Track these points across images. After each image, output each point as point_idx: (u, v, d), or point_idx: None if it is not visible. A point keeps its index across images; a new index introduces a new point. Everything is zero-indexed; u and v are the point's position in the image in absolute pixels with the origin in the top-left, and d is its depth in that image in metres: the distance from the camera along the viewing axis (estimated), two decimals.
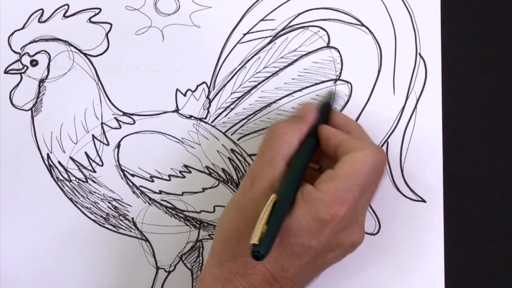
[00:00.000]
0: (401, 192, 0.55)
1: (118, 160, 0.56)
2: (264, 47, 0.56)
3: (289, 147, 0.48)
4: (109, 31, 0.56)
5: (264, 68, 0.56)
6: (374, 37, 0.56)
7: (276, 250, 0.44)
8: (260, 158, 0.48)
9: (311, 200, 0.45)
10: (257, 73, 0.56)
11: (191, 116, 0.56)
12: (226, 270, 0.45)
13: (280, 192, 0.45)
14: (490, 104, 0.56)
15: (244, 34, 0.56)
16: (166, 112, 0.56)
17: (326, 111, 0.52)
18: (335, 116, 0.52)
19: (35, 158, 0.56)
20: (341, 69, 0.56)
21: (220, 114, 0.56)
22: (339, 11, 0.56)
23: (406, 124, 0.55)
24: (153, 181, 0.55)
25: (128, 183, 0.55)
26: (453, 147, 0.55)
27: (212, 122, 0.56)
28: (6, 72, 0.56)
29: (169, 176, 0.55)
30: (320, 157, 0.51)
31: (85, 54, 0.56)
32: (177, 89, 0.56)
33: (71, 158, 0.56)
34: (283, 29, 0.56)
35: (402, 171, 0.55)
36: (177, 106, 0.56)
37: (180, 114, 0.56)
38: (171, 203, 0.55)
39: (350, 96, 0.55)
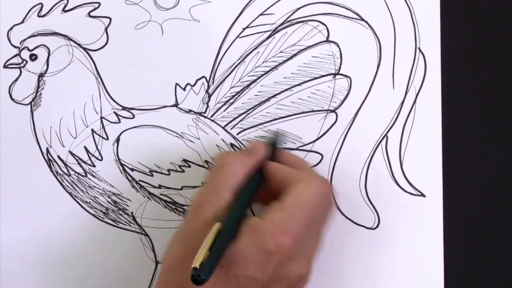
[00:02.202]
0: (400, 187, 0.55)
1: (117, 155, 0.56)
2: (263, 41, 0.56)
3: (235, 177, 0.47)
4: (109, 25, 0.56)
5: (263, 62, 0.56)
6: (374, 31, 0.55)
7: (222, 282, 0.44)
8: (206, 187, 0.48)
9: (256, 231, 0.44)
10: (256, 67, 0.56)
11: (190, 111, 0.56)
12: None
13: (225, 221, 0.44)
14: (489, 99, 0.56)
15: (244, 29, 0.56)
16: (166, 106, 0.56)
17: (273, 150, 0.52)
18: (283, 155, 0.52)
19: (34, 153, 0.56)
20: (341, 64, 0.56)
21: (219, 108, 0.56)
22: (339, 5, 0.56)
23: (405, 119, 0.55)
24: (152, 175, 0.55)
25: (127, 178, 0.55)
26: (453, 142, 0.55)
27: (212, 116, 0.56)
28: (5, 66, 0.56)
29: (168, 170, 0.55)
30: (266, 198, 0.50)
31: (84, 49, 0.56)
32: (177, 84, 0.56)
33: (70, 152, 0.56)
34: (283, 23, 0.56)
35: (401, 165, 0.55)
36: (176, 100, 0.56)
37: (180, 108, 0.56)
38: (170, 198, 0.55)
39: (349, 90, 0.55)
